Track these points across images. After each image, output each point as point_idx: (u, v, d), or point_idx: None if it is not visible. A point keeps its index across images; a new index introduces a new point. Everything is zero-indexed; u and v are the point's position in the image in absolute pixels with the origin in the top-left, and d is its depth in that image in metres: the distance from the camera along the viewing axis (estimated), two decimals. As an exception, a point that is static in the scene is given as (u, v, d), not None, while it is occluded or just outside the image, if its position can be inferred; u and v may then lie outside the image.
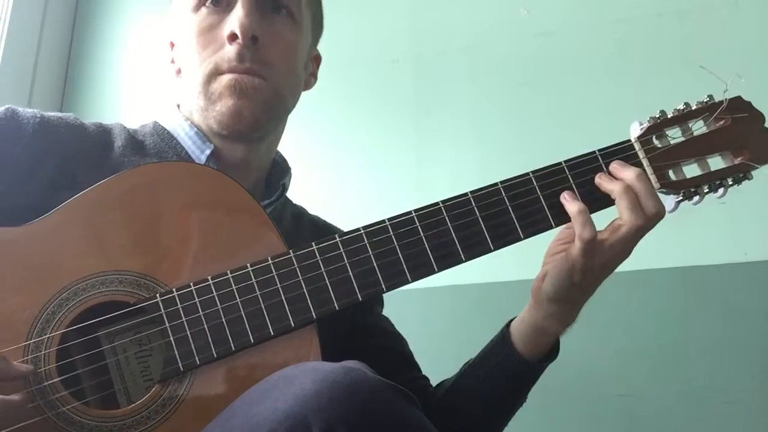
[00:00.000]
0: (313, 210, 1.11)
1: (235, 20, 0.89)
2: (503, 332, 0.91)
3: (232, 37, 0.89)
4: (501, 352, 0.90)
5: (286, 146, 1.06)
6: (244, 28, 0.88)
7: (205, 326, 0.75)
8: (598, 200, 0.83)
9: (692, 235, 1.47)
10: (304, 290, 0.77)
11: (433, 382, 1.03)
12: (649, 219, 0.80)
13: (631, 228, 0.79)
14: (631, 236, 0.80)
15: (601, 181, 0.83)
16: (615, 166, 0.83)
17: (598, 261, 0.81)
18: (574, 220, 0.80)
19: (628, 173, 0.82)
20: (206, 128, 0.94)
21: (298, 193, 1.09)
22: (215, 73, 0.90)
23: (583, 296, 0.86)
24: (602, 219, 0.83)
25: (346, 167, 1.82)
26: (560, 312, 0.86)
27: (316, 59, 1.06)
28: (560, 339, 0.91)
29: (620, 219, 0.81)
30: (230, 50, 0.89)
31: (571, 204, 0.81)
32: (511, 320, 0.92)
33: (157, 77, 1.99)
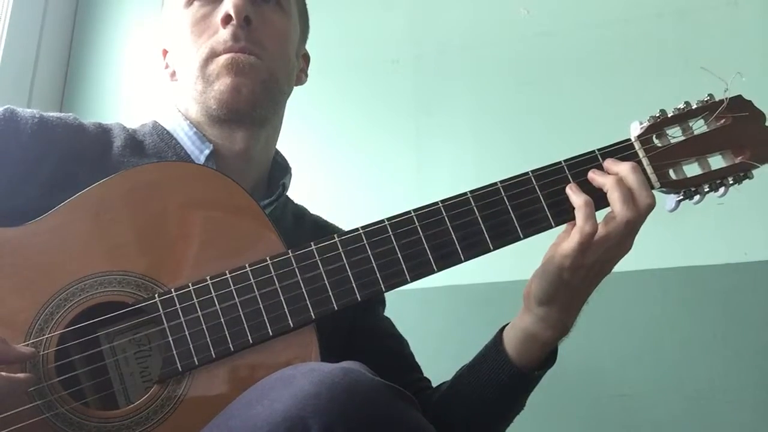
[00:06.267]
0: (313, 210, 1.11)
1: (228, 3, 0.92)
2: (496, 339, 0.90)
3: (227, 20, 0.91)
4: (493, 359, 0.89)
5: (286, 146, 1.06)
6: (238, 9, 0.91)
7: (204, 326, 0.75)
8: (596, 201, 0.82)
9: (692, 235, 1.47)
10: (303, 290, 0.77)
11: (433, 383, 1.03)
12: (641, 211, 0.79)
13: (622, 220, 0.79)
14: (623, 230, 0.79)
15: (594, 175, 0.82)
16: (608, 162, 0.83)
17: (589, 259, 0.80)
18: (579, 211, 0.80)
19: (621, 167, 0.81)
20: (205, 115, 0.95)
21: (298, 193, 1.09)
22: (212, 56, 0.92)
23: (572, 299, 0.84)
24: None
25: (346, 167, 1.81)
26: (549, 315, 0.85)
27: (305, 58, 1.08)
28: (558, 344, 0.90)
29: (612, 212, 0.80)
30: (225, 32, 0.92)
31: (576, 195, 0.81)
32: (505, 325, 0.91)
33: (157, 77, 1.99)
